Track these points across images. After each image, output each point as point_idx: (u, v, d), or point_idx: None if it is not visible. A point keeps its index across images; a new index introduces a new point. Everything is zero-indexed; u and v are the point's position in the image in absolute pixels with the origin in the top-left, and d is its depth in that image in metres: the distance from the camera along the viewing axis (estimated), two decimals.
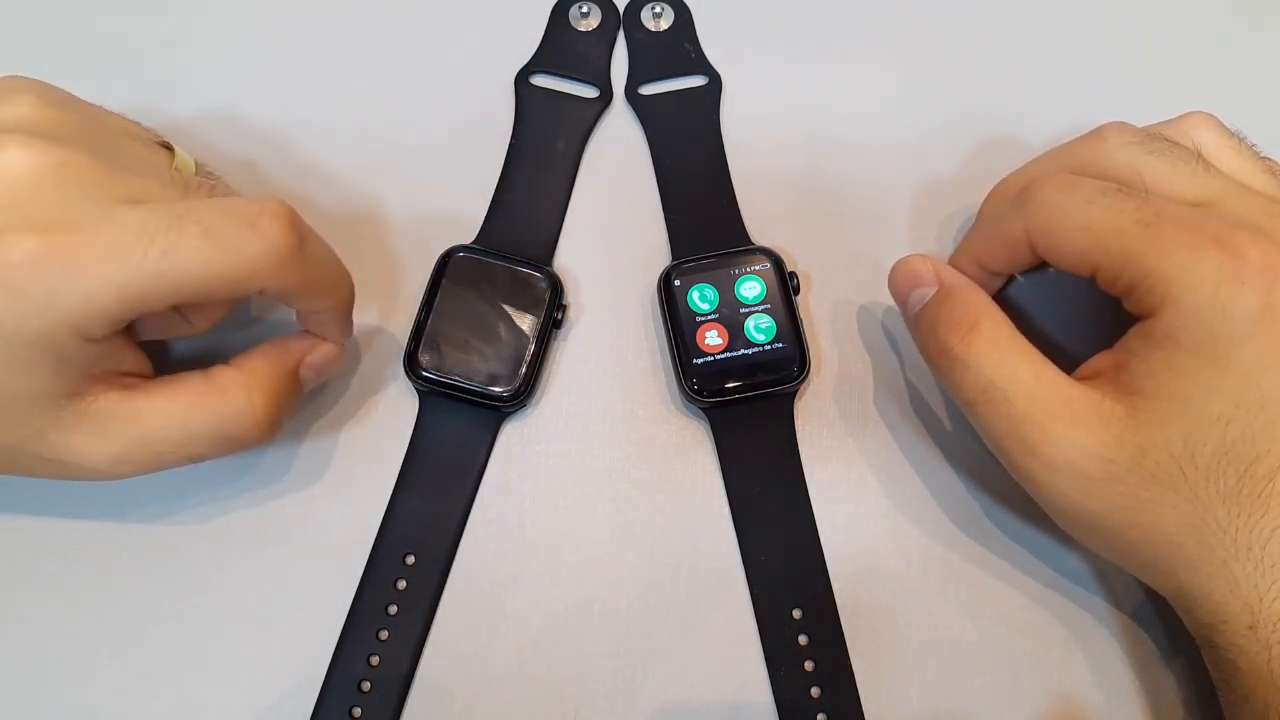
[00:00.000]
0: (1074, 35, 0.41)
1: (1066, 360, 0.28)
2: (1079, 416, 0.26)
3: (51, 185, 0.24)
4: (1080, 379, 0.27)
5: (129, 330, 0.27)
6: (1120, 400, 0.26)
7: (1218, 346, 0.24)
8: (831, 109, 0.39)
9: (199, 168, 0.32)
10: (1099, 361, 0.28)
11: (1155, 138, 0.29)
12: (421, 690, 0.30)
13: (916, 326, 0.30)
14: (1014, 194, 0.29)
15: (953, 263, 0.32)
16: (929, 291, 0.30)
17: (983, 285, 0.30)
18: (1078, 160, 0.30)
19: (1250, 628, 0.25)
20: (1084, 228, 0.27)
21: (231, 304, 0.30)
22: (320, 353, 0.31)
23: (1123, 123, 0.30)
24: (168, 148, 0.30)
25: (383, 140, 0.38)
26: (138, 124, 0.30)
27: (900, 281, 0.31)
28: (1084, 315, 0.34)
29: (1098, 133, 0.30)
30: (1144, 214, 0.26)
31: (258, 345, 0.30)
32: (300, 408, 0.33)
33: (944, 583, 0.32)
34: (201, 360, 0.29)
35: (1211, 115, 0.31)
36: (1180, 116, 0.31)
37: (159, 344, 0.33)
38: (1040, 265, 0.29)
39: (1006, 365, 0.27)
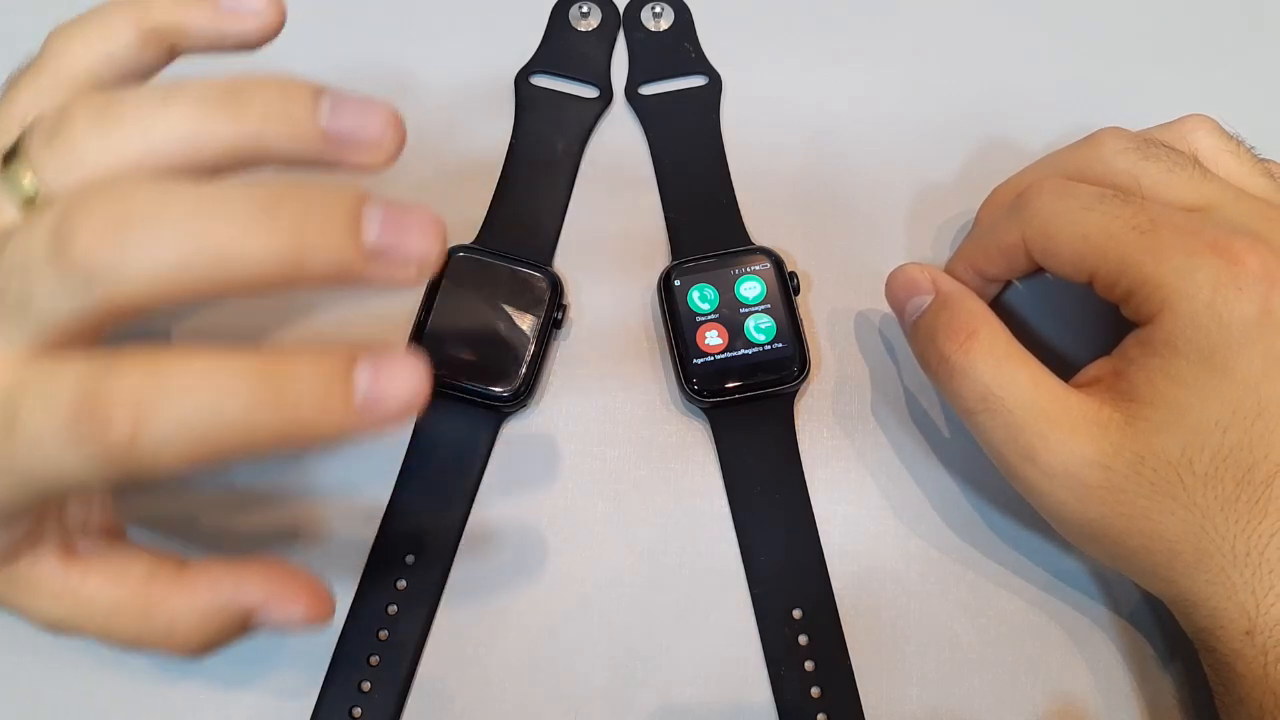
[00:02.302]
0: (1073, 39, 0.41)
1: (1064, 367, 0.28)
2: (1077, 424, 0.26)
3: None
4: (1078, 386, 0.27)
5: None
6: (1118, 407, 0.26)
7: (1215, 353, 0.24)
8: (831, 109, 0.39)
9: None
10: (1097, 368, 0.28)
11: (1152, 143, 0.29)
12: (421, 690, 0.30)
13: (914, 335, 0.30)
14: (1010, 200, 0.29)
15: (949, 269, 0.32)
16: (926, 300, 0.30)
17: (979, 291, 0.30)
18: (1074, 166, 0.30)
19: (1247, 633, 0.25)
20: (1081, 234, 0.27)
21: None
22: (287, 611, 0.24)
23: (1119, 128, 0.30)
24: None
25: None
26: None
27: (897, 290, 0.31)
28: (1081, 321, 0.34)
29: (1094, 138, 0.30)
30: (1140, 220, 0.26)
31: (224, 563, 0.25)
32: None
33: (944, 583, 0.32)
34: None
35: (1209, 118, 0.30)
36: (1178, 120, 0.31)
37: None
38: (1037, 271, 0.29)
39: (1005, 373, 0.27)
